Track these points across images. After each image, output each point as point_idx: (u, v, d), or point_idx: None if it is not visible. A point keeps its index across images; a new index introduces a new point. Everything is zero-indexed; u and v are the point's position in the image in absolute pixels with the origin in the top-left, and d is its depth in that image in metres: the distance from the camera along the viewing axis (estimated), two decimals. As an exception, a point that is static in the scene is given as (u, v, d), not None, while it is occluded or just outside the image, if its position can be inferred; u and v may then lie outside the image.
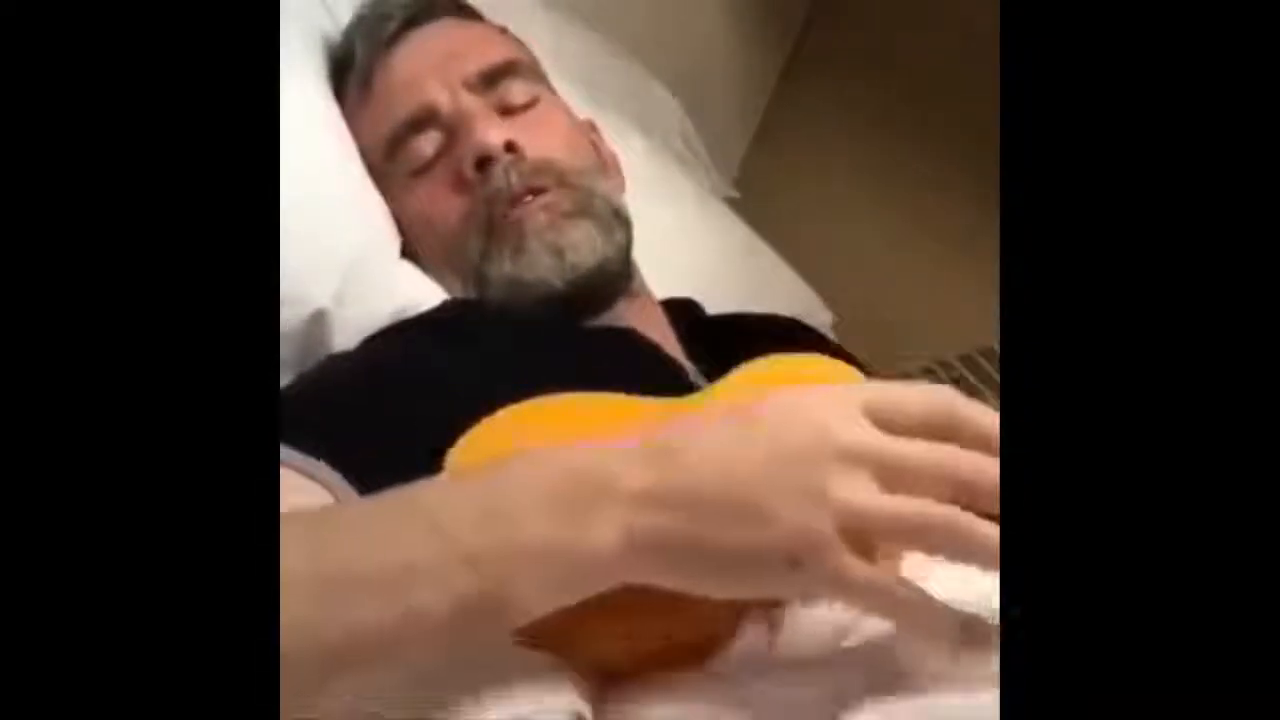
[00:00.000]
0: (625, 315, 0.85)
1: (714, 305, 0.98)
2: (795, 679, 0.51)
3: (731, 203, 1.28)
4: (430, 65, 0.89)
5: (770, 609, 0.54)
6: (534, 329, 0.78)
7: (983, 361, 0.67)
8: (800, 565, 0.47)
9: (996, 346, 0.67)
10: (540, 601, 0.50)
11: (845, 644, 0.52)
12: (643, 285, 0.90)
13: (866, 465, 0.48)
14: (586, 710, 0.50)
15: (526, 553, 0.49)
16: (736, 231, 1.21)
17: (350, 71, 0.93)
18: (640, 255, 0.90)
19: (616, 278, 0.85)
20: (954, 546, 0.47)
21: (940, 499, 0.47)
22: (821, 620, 0.53)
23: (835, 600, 0.49)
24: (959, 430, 0.49)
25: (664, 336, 0.85)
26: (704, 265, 1.10)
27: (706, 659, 0.53)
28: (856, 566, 0.47)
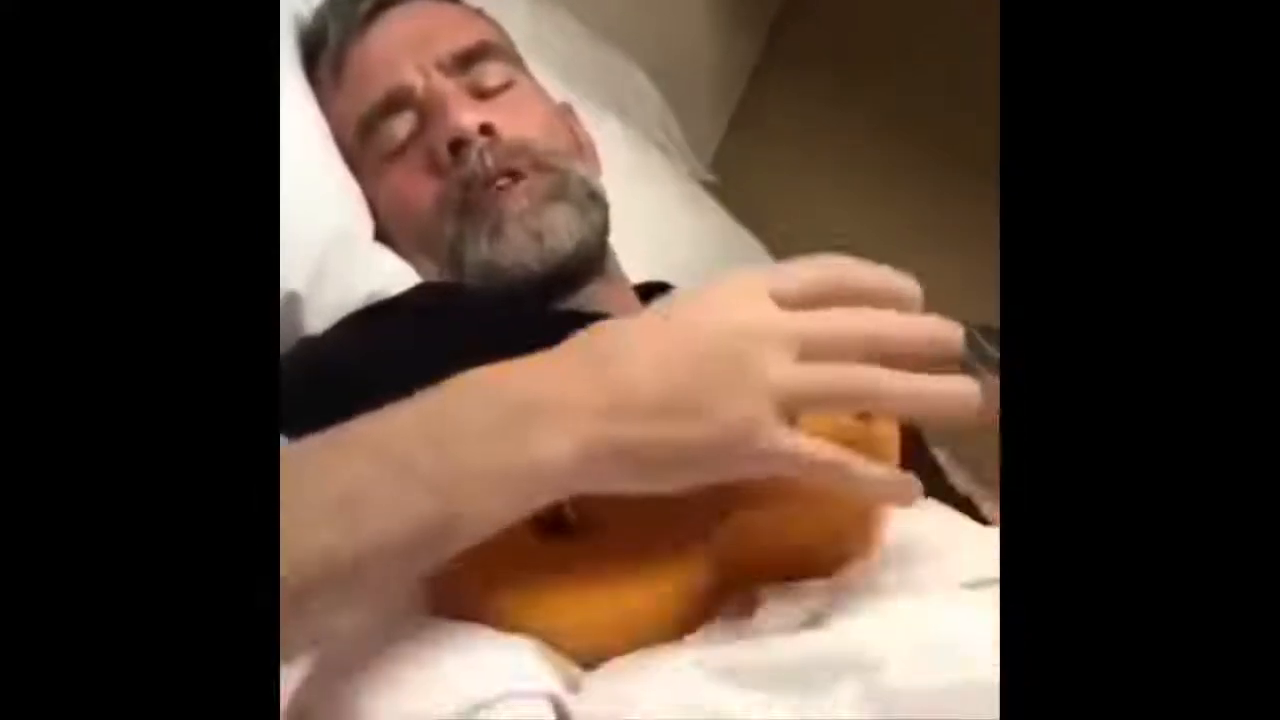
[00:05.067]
0: (598, 297, 0.85)
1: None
2: (774, 658, 0.51)
3: (708, 188, 1.29)
4: (404, 47, 0.89)
5: (747, 590, 0.55)
6: (507, 313, 0.78)
7: (980, 340, 0.68)
8: (743, 448, 0.50)
9: (994, 324, 0.68)
10: (496, 518, 0.51)
11: (823, 624, 0.52)
12: (616, 267, 0.90)
13: (783, 343, 0.50)
14: (561, 691, 0.51)
15: (478, 474, 0.50)
16: (713, 216, 1.21)
17: (323, 52, 0.93)
18: (617, 239, 0.90)
19: (592, 260, 0.85)
20: (882, 401, 0.51)
21: (857, 360, 0.51)
22: (800, 601, 0.53)
23: (780, 472, 0.51)
24: (857, 293, 0.52)
25: (637, 319, 0.85)
26: (681, 250, 1.10)
27: (685, 638, 0.53)
28: (794, 438, 0.50)
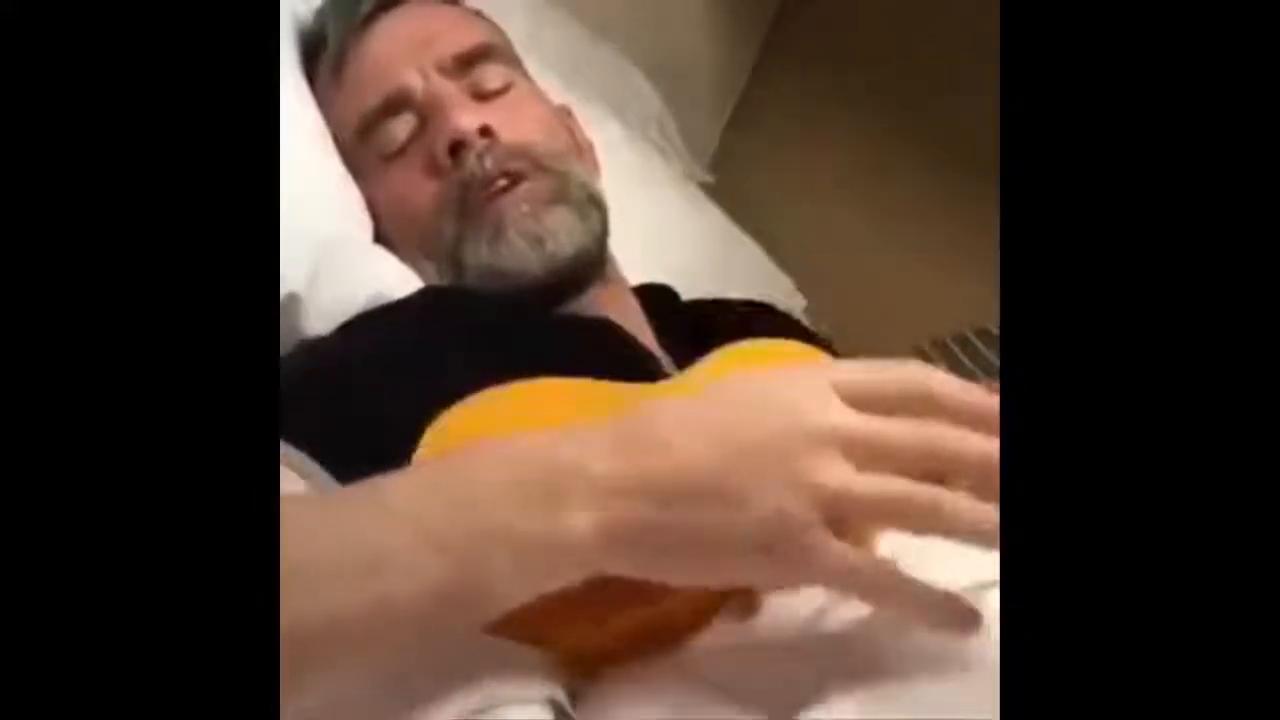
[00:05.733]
0: (599, 300, 0.85)
1: (689, 291, 0.98)
2: (775, 661, 0.51)
3: (705, 189, 1.29)
4: (404, 48, 0.89)
5: (747, 596, 0.54)
6: (508, 317, 0.78)
7: (977, 342, 0.67)
8: (775, 550, 0.46)
9: (991, 328, 0.67)
10: (515, 590, 0.49)
11: (824, 626, 0.52)
12: (616, 271, 0.90)
13: (840, 446, 0.47)
14: (563, 697, 0.50)
15: (497, 540, 0.48)
16: (712, 218, 1.21)
17: (322, 53, 0.93)
18: (617, 241, 0.89)
19: (592, 264, 0.85)
20: (940, 525, 0.46)
21: (920, 479, 0.46)
22: (800, 602, 0.53)
23: (813, 585, 0.49)
24: (936, 407, 0.48)
25: (637, 323, 0.85)
26: (679, 251, 1.10)
27: (685, 642, 0.53)
28: (835, 549, 0.46)
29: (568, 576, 0.49)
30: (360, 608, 0.48)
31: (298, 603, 0.46)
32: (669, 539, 0.47)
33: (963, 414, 0.48)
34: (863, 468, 0.47)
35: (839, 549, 0.46)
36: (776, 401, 0.48)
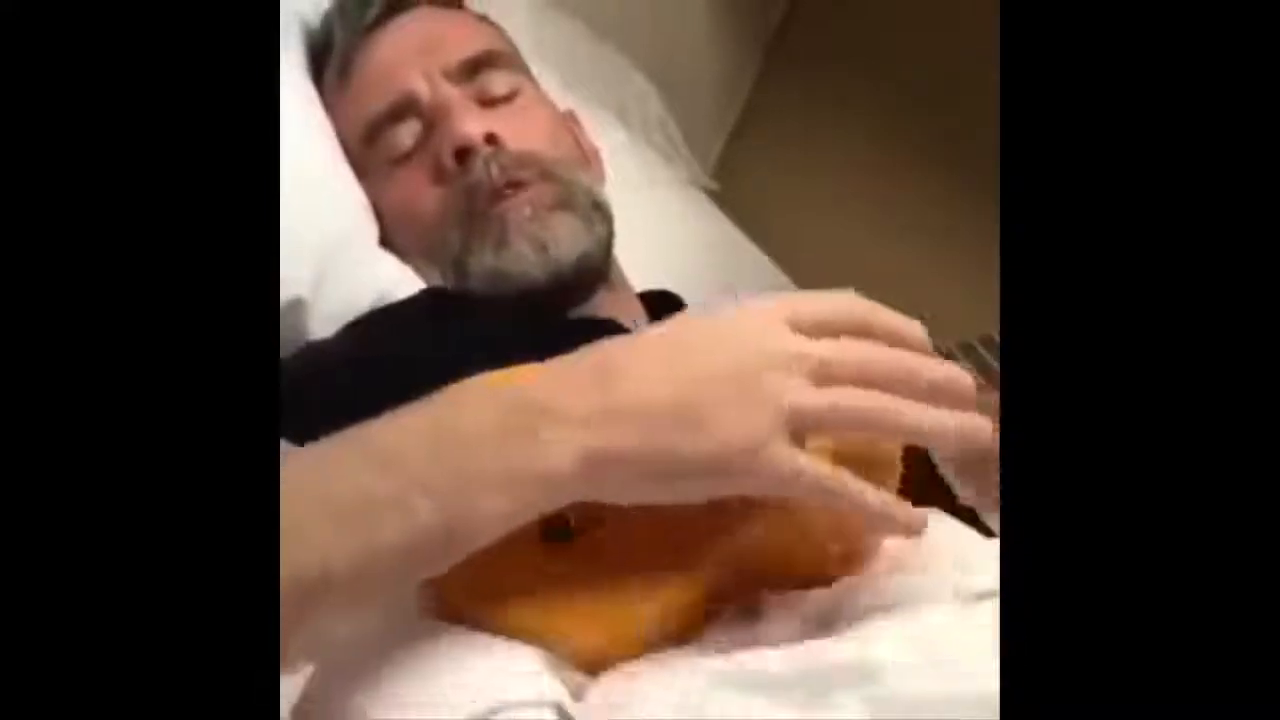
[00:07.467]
0: (603, 306, 0.85)
1: (694, 296, 0.98)
2: (778, 660, 0.51)
3: (709, 194, 1.29)
4: (410, 54, 0.89)
5: (750, 597, 0.55)
6: (512, 318, 0.78)
7: (981, 351, 0.68)
8: (745, 465, 0.50)
9: (996, 336, 0.68)
10: (499, 525, 0.51)
11: (827, 626, 0.52)
12: (621, 277, 0.90)
13: (798, 368, 0.50)
14: (565, 697, 0.50)
15: (482, 479, 0.50)
16: (716, 224, 1.21)
17: (329, 57, 0.93)
18: (621, 246, 0.90)
19: (596, 270, 0.85)
20: (893, 428, 0.51)
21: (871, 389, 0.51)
22: (803, 602, 0.53)
23: (782, 493, 0.51)
24: (873, 331, 0.52)
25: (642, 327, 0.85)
26: (684, 257, 1.10)
27: (688, 640, 0.53)
28: (799, 459, 0.50)
29: (548, 505, 0.51)
30: (353, 554, 0.49)
31: (290, 550, 0.47)
32: (642, 463, 0.50)
33: (897, 336, 0.53)
34: (822, 385, 0.51)
35: (801, 458, 0.50)
36: (737, 334, 0.52)
